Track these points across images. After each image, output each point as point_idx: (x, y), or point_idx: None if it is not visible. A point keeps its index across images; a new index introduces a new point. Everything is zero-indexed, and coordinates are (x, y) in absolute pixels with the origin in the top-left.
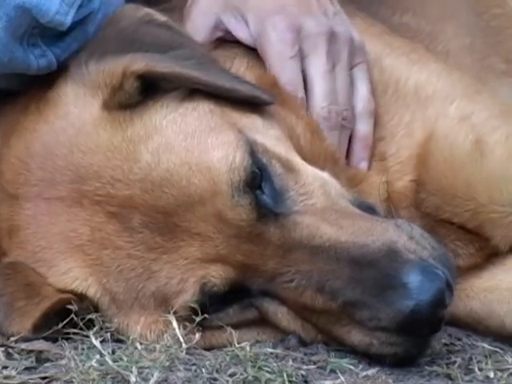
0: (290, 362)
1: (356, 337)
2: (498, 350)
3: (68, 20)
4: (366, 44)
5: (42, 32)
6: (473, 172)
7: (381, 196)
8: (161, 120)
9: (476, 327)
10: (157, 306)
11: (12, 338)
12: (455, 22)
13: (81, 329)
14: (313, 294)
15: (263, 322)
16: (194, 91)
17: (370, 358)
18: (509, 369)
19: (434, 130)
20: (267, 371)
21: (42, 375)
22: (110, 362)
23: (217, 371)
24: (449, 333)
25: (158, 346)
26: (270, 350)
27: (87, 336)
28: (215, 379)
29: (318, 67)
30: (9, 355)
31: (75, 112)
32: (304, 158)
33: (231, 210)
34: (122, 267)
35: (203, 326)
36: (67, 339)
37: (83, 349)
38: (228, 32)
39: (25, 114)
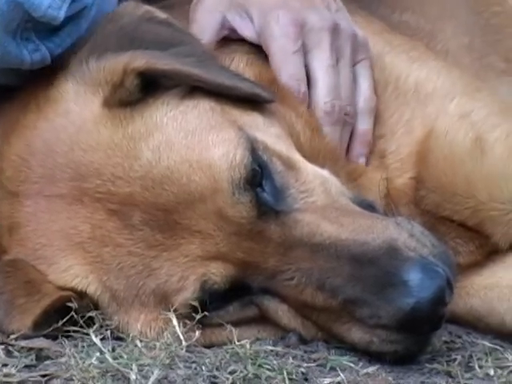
0: (290, 360)
1: (356, 334)
2: (498, 347)
3: (61, 14)
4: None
5: (35, 26)
6: (473, 170)
7: (380, 192)
8: (161, 117)
9: (476, 325)
10: (157, 303)
11: (12, 336)
12: (454, 20)
13: (81, 326)
14: (313, 291)
15: (263, 319)
16: (195, 89)
17: (370, 355)
18: (509, 366)
19: (434, 127)
20: (267, 369)
21: (42, 373)
22: (110, 360)
23: (217, 369)
24: (449, 330)
25: (158, 344)
26: (270, 347)
27: (87, 334)
28: (215, 377)
29: (321, 61)
30: (9, 353)
31: (76, 109)
32: (304, 156)
33: (232, 207)
34: (123, 265)
35: (203, 324)
36: (67, 337)
37: (83, 346)
38: (233, 30)
39: (25, 111)
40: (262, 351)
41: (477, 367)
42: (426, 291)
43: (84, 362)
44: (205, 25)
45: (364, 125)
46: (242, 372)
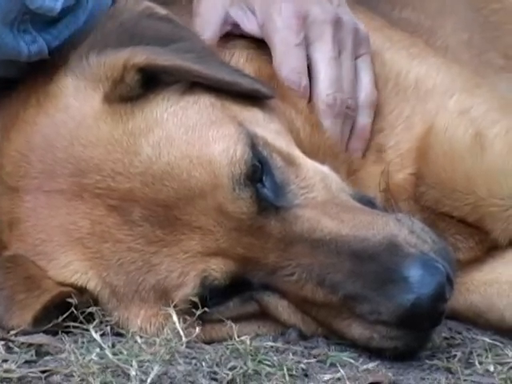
0: (291, 356)
1: (356, 330)
2: (498, 343)
3: (58, 6)
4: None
5: (32, 18)
6: (472, 166)
7: (380, 187)
8: (162, 113)
9: (476, 321)
10: (157, 299)
11: (12, 332)
12: (454, 17)
13: (81, 322)
14: (313, 287)
15: (263, 315)
16: (195, 84)
17: (370, 351)
18: (509, 362)
19: (434, 123)
20: (267, 365)
21: (42, 369)
22: (110, 356)
23: (217, 365)
24: (449, 326)
25: (157, 340)
26: (270, 343)
27: (87, 329)
28: (215, 373)
29: (323, 53)
30: (9, 349)
31: (76, 105)
32: (304, 152)
33: (232, 203)
34: (123, 260)
35: (203, 320)
36: (67, 333)
37: (83, 342)
38: (236, 25)
39: (25, 106)
40: (262, 347)
41: (477, 363)
42: (427, 287)
43: (84, 358)
44: (208, 20)
45: (364, 119)
46: (242, 368)
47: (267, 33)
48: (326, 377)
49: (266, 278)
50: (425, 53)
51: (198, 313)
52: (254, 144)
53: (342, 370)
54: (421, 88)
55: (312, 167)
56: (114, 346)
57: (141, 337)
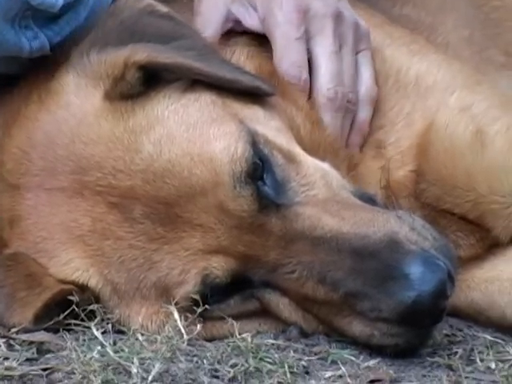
0: (291, 353)
1: (357, 328)
2: (499, 340)
3: (59, 2)
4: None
5: (33, 14)
6: (473, 162)
7: (380, 183)
8: (163, 111)
9: (477, 318)
10: (158, 296)
11: (13, 329)
12: (455, 13)
13: (82, 320)
14: (314, 284)
15: (264, 313)
16: (196, 82)
17: (371, 348)
18: (510, 360)
19: (435, 120)
20: (268, 362)
21: (43, 366)
22: (112, 353)
23: (218, 362)
24: (450, 324)
25: (159, 337)
26: (271, 341)
27: (88, 327)
28: (216, 370)
29: (324, 47)
30: (10, 346)
31: (77, 102)
32: (304, 149)
33: (233, 200)
34: (124, 258)
35: (204, 317)
36: (68, 330)
37: (84, 340)
38: (237, 22)
39: (26, 103)
40: (263, 344)
41: (478, 360)
42: (427, 284)
43: (85, 356)
44: (209, 18)
45: (363, 114)
46: (243, 365)
47: (268, 27)
48: (327, 374)
49: (266, 276)
50: (425, 49)
51: (199, 310)
52: (254, 142)
53: (343, 368)
54: (421, 85)
55: (313, 164)
56: (115, 343)
57: (142, 334)
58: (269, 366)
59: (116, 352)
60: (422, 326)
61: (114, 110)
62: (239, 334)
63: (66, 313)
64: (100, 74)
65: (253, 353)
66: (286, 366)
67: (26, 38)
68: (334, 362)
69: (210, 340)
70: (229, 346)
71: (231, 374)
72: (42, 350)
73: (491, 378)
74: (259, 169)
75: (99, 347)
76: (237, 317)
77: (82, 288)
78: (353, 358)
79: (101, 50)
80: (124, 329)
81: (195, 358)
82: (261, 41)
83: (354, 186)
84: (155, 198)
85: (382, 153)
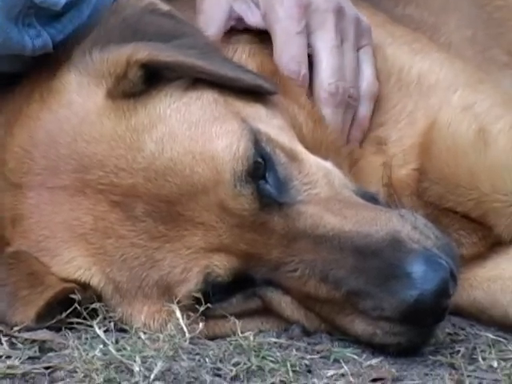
0: (294, 352)
1: (359, 326)
2: (501, 339)
3: (62, 0)
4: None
5: (36, 12)
6: (476, 161)
7: (382, 179)
8: (165, 109)
9: (479, 317)
10: (160, 295)
11: (15, 328)
12: (458, 13)
13: (84, 318)
14: (316, 283)
15: (267, 311)
16: (198, 80)
17: (373, 347)
18: None
19: (437, 118)
20: (271, 361)
21: (46, 365)
22: (114, 352)
23: (220, 361)
24: (452, 322)
25: (161, 336)
26: (273, 339)
27: (91, 326)
28: (219, 369)
29: (325, 42)
30: (12, 345)
31: (79, 101)
32: (306, 147)
33: (233, 199)
34: (126, 256)
35: (206, 316)
36: (71, 329)
37: (87, 338)
38: (240, 19)
39: (28, 102)
40: (266, 343)
41: (480, 359)
42: (430, 283)
43: (87, 354)
44: (212, 16)
45: (364, 110)
46: (245, 364)
47: (269, 23)
48: (330, 373)
49: (269, 274)
50: (428, 48)
51: (202, 309)
52: (257, 140)
53: (345, 366)
54: (424, 83)
55: (315, 163)
56: (117, 342)
57: (144, 333)
58: (271, 365)
59: (118, 350)
60: (424, 324)
61: (117, 108)
62: (241, 333)
63: (68, 311)
64: (102, 73)
65: (255, 351)
66: (289, 365)
67: (29, 36)
68: (336, 361)
69: (212, 338)
70: (231, 344)
71: (233, 373)
72: (44, 348)
73: (493, 376)
74: (261, 167)
75: (101, 346)
76: (239, 315)
77: (85, 286)
78: (355, 357)
79: (103, 49)
80: (126, 327)
81: (197, 357)
82: (263, 38)
83: (356, 185)
84: (157, 196)
85: (383, 149)
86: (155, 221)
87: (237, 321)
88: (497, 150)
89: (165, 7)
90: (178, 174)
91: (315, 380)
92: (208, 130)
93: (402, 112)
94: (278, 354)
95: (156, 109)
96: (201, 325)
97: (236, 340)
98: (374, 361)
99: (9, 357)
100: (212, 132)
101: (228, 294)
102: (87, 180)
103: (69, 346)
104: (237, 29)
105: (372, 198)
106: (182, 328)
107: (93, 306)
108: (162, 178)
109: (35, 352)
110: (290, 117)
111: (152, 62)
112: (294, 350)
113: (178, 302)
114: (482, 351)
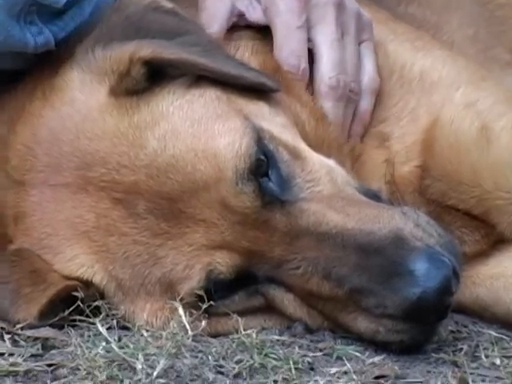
0: (297, 349)
1: (362, 324)
2: (504, 336)
3: None
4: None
5: (38, 10)
6: (478, 158)
7: (385, 176)
8: (167, 106)
9: (482, 314)
10: (162, 292)
11: (18, 325)
12: (460, 12)
13: (87, 316)
14: (319, 280)
15: (269, 308)
16: (201, 78)
17: (376, 345)
18: None
19: (440, 116)
20: (273, 358)
21: (48, 362)
22: (117, 349)
23: (223, 358)
24: (455, 320)
25: (164, 333)
26: (276, 337)
27: (93, 323)
28: (221, 366)
29: (326, 36)
30: (15, 342)
31: (81, 98)
32: (309, 145)
33: (235, 197)
34: (128, 253)
35: (209, 313)
36: (73, 326)
37: (89, 336)
38: (241, 15)
39: (30, 100)
40: (268, 340)
41: (483, 357)
42: (432, 281)
43: (90, 352)
44: (215, 13)
45: (365, 104)
46: (248, 361)
47: (270, 17)
48: (333, 370)
49: (271, 272)
50: (430, 45)
51: (204, 306)
52: (259, 138)
53: (348, 364)
54: (426, 80)
55: (318, 160)
56: (120, 339)
57: (147, 330)
58: (274, 362)
59: (121, 348)
60: (427, 322)
61: (119, 105)
62: (244, 330)
63: (70, 309)
64: (105, 70)
65: (258, 349)
66: (291, 362)
67: (31, 34)
68: (339, 358)
69: (214, 336)
70: (234, 342)
71: (236, 370)
72: (46, 345)
73: (496, 374)
74: (263, 165)
75: (104, 343)
76: (242, 313)
77: (87, 284)
78: (358, 354)
79: (106, 46)
80: (129, 325)
81: (200, 354)
82: (265, 34)
83: (359, 183)
84: (159, 194)
85: (386, 145)
86: (157, 218)
87: (239, 318)
88: (499, 148)
89: (168, 5)
90: (180, 171)
91: (318, 377)
92: (210, 127)
93: (405, 109)
94: (281, 351)
95: (159, 106)
96: (203, 322)
97: (239, 337)
98: (377, 358)
99: (11, 354)
100: (214, 129)
101: (230, 291)
102: (89, 177)
103: (71, 343)
104: (238, 25)
105: (375, 196)
106: (184, 325)
107: (95, 303)
108: (164, 175)
109: (38, 349)
110: (293, 114)
111: (155, 60)
112: (296, 347)
113: (180, 300)
114: (484, 349)
